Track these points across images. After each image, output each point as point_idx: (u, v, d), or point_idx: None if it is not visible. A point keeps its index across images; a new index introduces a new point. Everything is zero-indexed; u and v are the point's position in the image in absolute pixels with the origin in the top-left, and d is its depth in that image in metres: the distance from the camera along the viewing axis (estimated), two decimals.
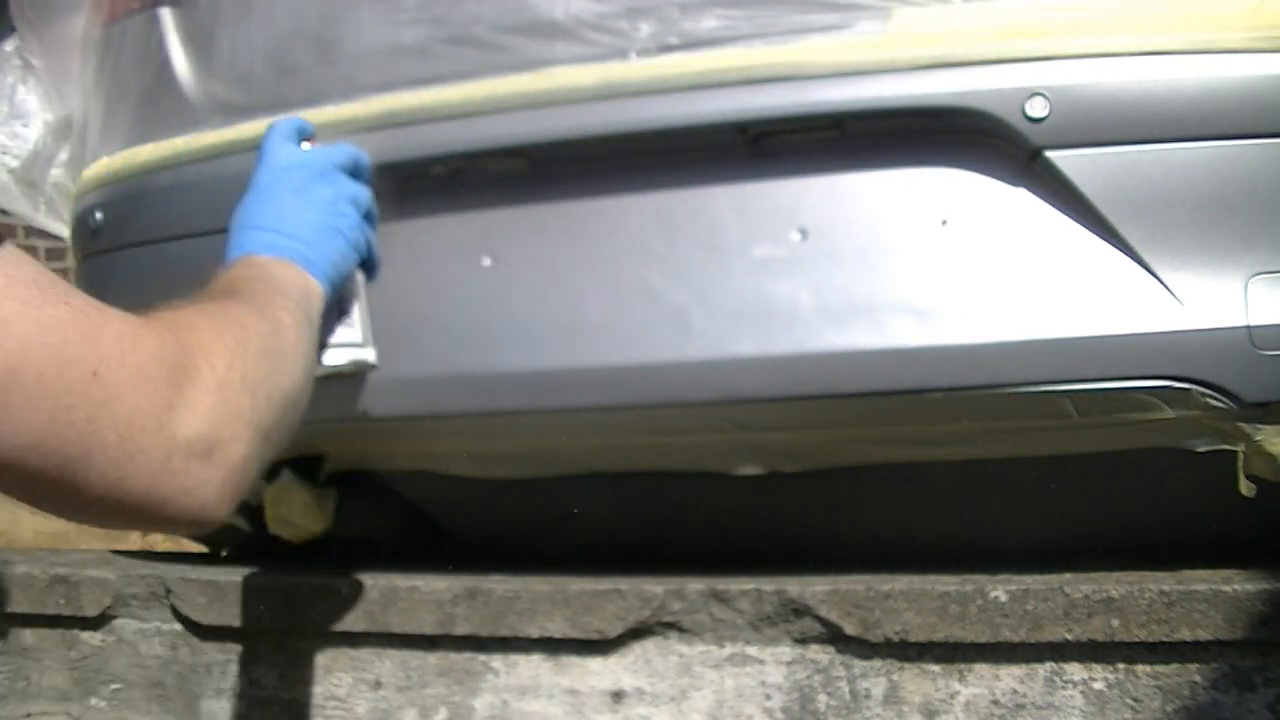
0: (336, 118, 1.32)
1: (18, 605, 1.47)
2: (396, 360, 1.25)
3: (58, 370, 0.64)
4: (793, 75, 1.20)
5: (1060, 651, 1.12)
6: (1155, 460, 1.24)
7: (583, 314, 1.28)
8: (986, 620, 1.13)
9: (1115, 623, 1.10)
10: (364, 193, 1.07)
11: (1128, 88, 1.14)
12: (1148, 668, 1.10)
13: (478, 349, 1.31)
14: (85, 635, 1.45)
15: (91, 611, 1.44)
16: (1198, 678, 1.09)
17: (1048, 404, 1.17)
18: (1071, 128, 1.15)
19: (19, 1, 1.75)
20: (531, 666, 1.28)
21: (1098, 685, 1.12)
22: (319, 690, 1.36)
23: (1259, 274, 1.13)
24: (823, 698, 1.18)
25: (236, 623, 1.38)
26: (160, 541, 2.57)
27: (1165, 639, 1.09)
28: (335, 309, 1.09)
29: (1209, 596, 1.08)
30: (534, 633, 1.26)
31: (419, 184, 1.33)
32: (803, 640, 1.19)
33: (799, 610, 1.19)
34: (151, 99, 1.51)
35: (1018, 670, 1.13)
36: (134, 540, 2.45)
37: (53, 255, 3.22)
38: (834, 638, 1.18)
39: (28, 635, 1.47)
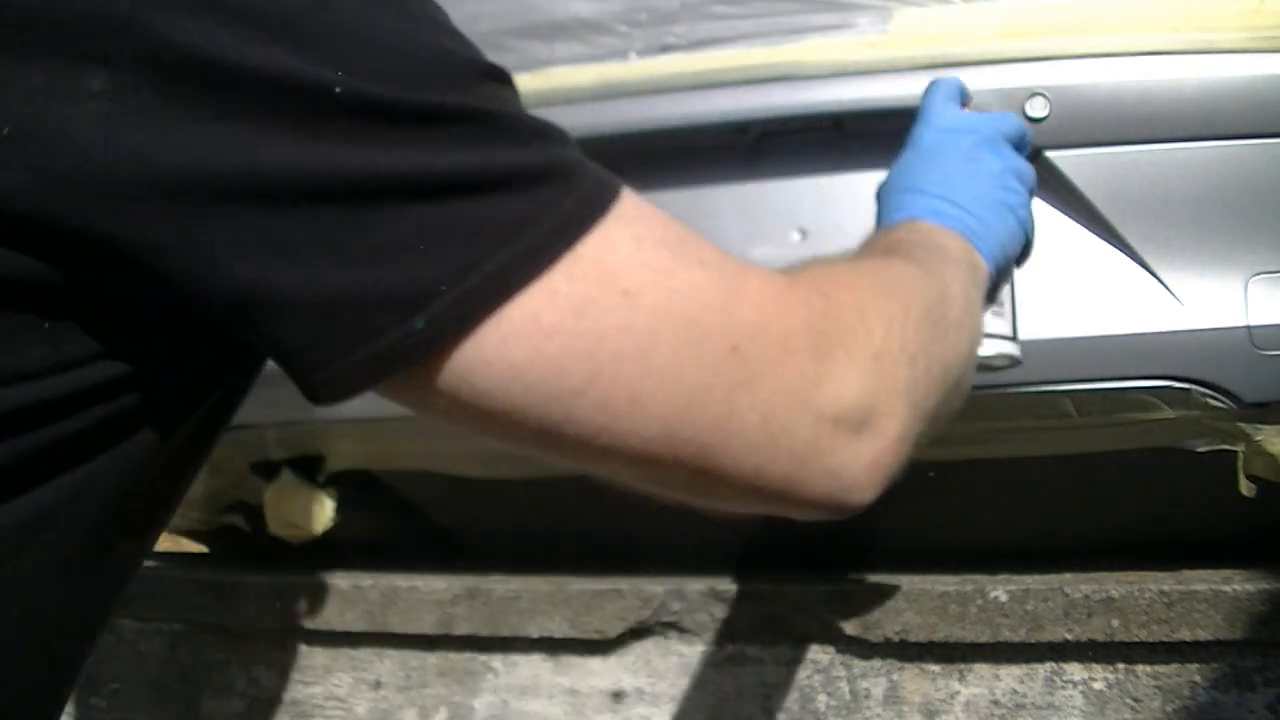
0: None
1: None
2: None
3: (693, 349, 0.55)
4: (793, 75, 1.20)
5: (1060, 651, 1.12)
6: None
7: None
8: (986, 620, 1.13)
9: (1115, 623, 1.10)
10: (1030, 170, 0.93)
11: (1127, 88, 1.14)
12: (1148, 668, 1.10)
13: None
14: None
15: None
16: (1198, 678, 1.09)
17: (1048, 404, 1.17)
18: (1071, 128, 1.15)
19: None
20: (531, 666, 1.28)
21: (1098, 685, 1.12)
22: (319, 690, 1.36)
23: (1259, 274, 1.13)
24: (823, 698, 1.18)
25: (236, 623, 1.38)
26: (160, 541, 2.57)
27: (1165, 639, 1.09)
28: (987, 294, 0.94)
29: (1209, 596, 1.08)
30: (534, 633, 1.26)
31: None
32: (803, 640, 1.19)
33: (799, 610, 1.19)
34: None
35: (1018, 670, 1.13)
36: None
37: None
38: (834, 638, 1.18)
39: None
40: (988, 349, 0.99)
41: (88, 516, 0.56)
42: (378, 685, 1.33)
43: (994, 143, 0.91)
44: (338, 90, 0.49)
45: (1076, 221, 1.16)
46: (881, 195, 0.90)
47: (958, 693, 1.15)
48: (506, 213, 0.52)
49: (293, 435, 1.41)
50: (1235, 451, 1.16)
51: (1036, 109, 1.14)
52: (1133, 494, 1.31)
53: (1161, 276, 1.14)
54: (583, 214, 0.54)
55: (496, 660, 1.29)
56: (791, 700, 1.19)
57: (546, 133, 0.54)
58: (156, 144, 0.48)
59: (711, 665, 1.22)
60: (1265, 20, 1.13)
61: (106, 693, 1.44)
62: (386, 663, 1.33)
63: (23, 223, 0.48)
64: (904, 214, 0.85)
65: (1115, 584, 1.11)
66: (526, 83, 1.30)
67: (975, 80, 1.16)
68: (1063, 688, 1.12)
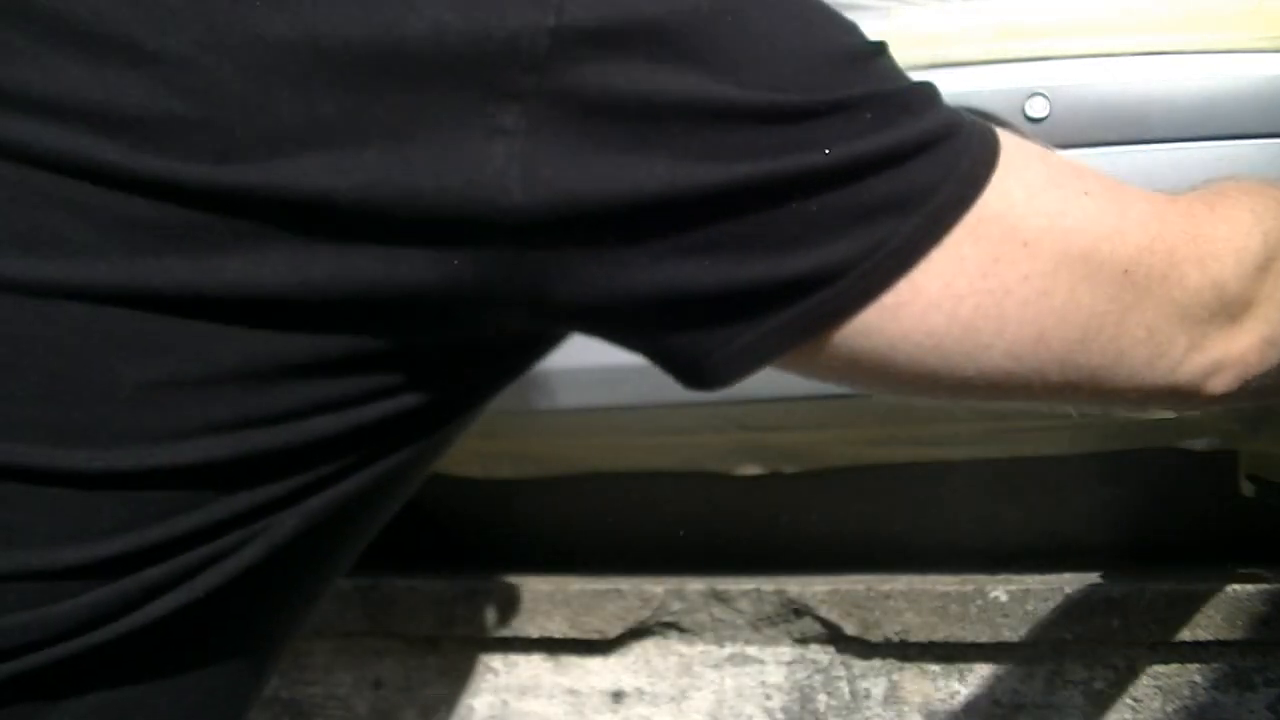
0: None
1: None
2: None
3: (1089, 281, 0.56)
4: None
5: (1060, 651, 1.12)
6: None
7: None
8: (986, 620, 1.13)
9: (1115, 623, 1.10)
10: None
11: (1128, 88, 1.14)
12: (1148, 668, 1.11)
13: None
14: None
15: None
16: (1198, 678, 1.09)
17: (1048, 404, 1.17)
18: (1071, 128, 1.15)
19: None
20: (531, 666, 1.28)
21: (1098, 685, 1.12)
22: (319, 690, 1.36)
23: None
24: (823, 698, 1.18)
25: None
26: None
27: (1165, 639, 1.09)
28: None
29: (1209, 596, 1.08)
30: (534, 633, 1.26)
31: None
32: (803, 640, 1.19)
33: (799, 610, 1.19)
34: None
35: (1018, 670, 1.13)
36: None
37: None
38: (834, 638, 1.18)
39: None
40: None
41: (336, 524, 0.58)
42: (378, 685, 1.33)
43: None
44: (746, 105, 0.50)
45: None
46: None
47: (958, 693, 1.15)
48: (909, 184, 0.53)
49: None
50: (1235, 451, 1.16)
51: (1036, 109, 1.14)
52: (1132, 495, 1.31)
53: None
54: (977, 173, 0.55)
55: (496, 660, 1.29)
56: (791, 700, 1.19)
57: (930, 96, 0.56)
58: (574, 179, 0.49)
59: (711, 665, 1.22)
60: (1265, 21, 1.13)
61: None
62: (386, 663, 1.33)
63: (435, 243, 0.49)
64: None
65: (1115, 584, 1.11)
66: None
67: (975, 80, 1.16)
68: (1063, 688, 1.12)
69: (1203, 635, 1.08)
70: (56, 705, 0.53)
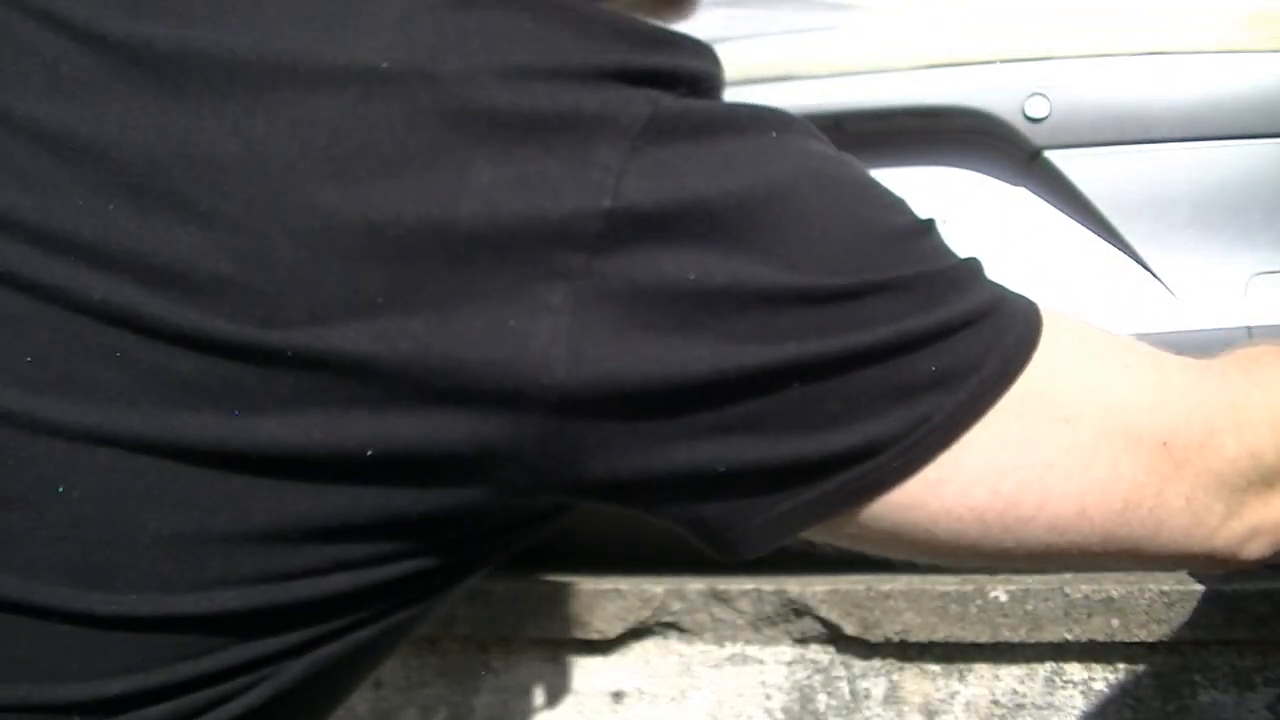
0: None
1: None
2: None
3: (1130, 454, 0.56)
4: (792, 75, 1.20)
5: (1060, 651, 1.12)
6: None
7: None
8: (986, 620, 1.13)
9: (1115, 623, 1.10)
10: None
11: (1128, 88, 1.14)
12: (1148, 668, 1.10)
13: None
14: None
15: None
16: (1198, 678, 1.09)
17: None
18: (1071, 128, 1.15)
19: None
20: (531, 666, 1.28)
21: (1098, 685, 1.12)
22: None
23: (1259, 274, 1.13)
24: (823, 698, 1.18)
25: None
26: None
27: (1165, 639, 1.09)
28: None
29: (1209, 596, 1.08)
30: (534, 633, 1.26)
31: None
32: (803, 640, 1.19)
33: (799, 610, 1.19)
34: None
35: (1018, 670, 1.13)
36: None
37: None
38: (834, 638, 1.18)
39: None
40: None
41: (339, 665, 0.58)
42: (377, 685, 1.33)
43: None
44: (794, 287, 0.50)
45: (1077, 221, 1.16)
46: None
47: (958, 693, 1.15)
48: (953, 360, 0.53)
49: None
50: None
51: (1036, 109, 1.14)
52: None
53: (1161, 276, 1.14)
54: (1021, 349, 0.55)
55: (496, 660, 1.29)
56: (791, 700, 1.19)
57: (974, 271, 0.56)
58: (618, 359, 0.49)
59: (711, 665, 1.22)
60: (1264, 21, 1.13)
61: None
62: (386, 663, 1.33)
63: (474, 412, 0.49)
64: None
65: (1115, 584, 1.11)
66: None
67: (975, 80, 1.16)
68: (1063, 688, 1.12)
69: (1203, 635, 1.08)
70: None
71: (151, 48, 0.50)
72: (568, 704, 1.26)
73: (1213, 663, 1.09)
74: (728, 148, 0.51)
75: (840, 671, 1.18)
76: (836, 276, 0.51)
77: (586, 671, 1.26)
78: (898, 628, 1.15)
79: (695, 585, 1.22)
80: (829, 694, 1.18)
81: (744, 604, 1.20)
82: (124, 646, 0.51)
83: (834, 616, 1.17)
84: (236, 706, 0.53)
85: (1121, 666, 1.11)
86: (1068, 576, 1.17)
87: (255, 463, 0.49)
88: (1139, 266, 1.14)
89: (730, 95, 1.35)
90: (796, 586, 1.19)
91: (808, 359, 0.50)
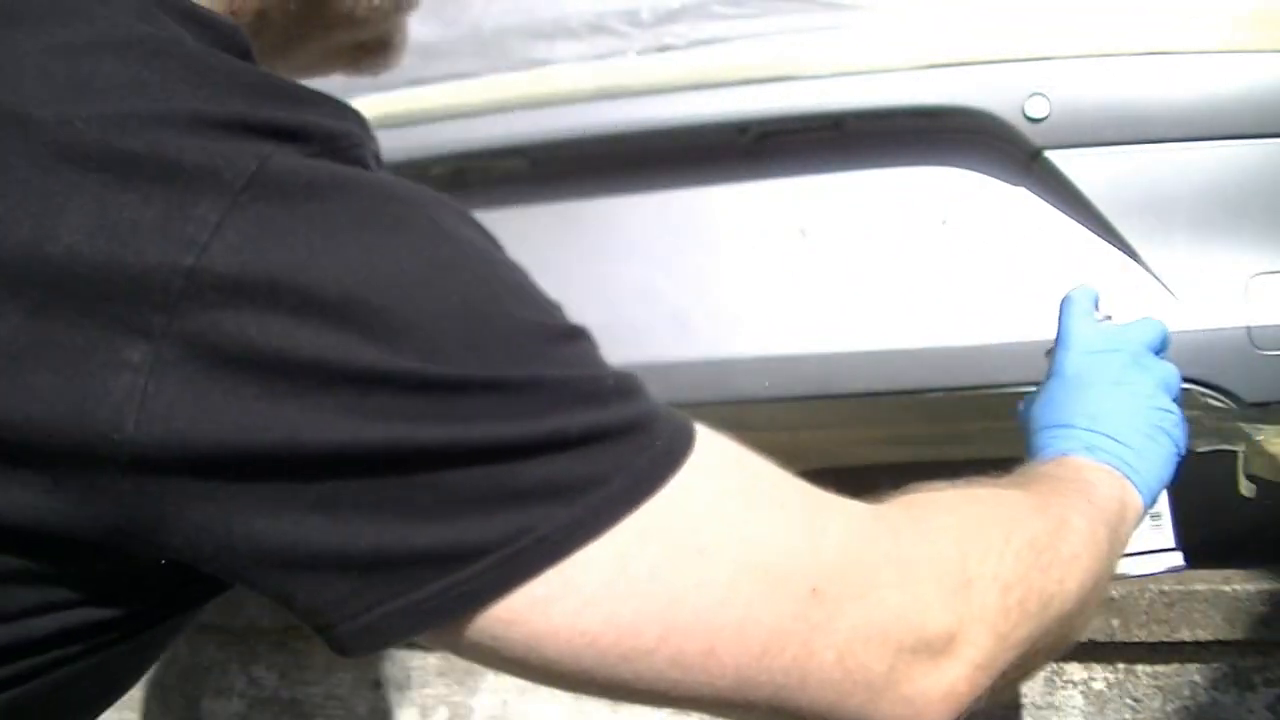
0: None
1: None
2: None
3: (771, 596, 0.54)
4: (793, 75, 1.20)
5: None
6: None
7: (581, 314, 1.28)
8: None
9: (1115, 623, 1.10)
10: (1176, 374, 0.89)
11: (1128, 88, 1.14)
12: (1148, 668, 1.10)
13: None
14: None
15: None
16: (1198, 678, 1.09)
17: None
18: (1071, 128, 1.15)
19: None
20: None
21: (1098, 685, 1.12)
22: (319, 690, 1.36)
23: (1259, 274, 1.13)
24: None
25: (237, 623, 1.38)
26: None
27: (1165, 639, 1.09)
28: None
29: (1209, 596, 1.08)
30: None
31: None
32: None
33: None
34: None
35: None
36: None
37: None
38: None
39: None
40: (1152, 566, 1.01)
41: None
42: (378, 685, 1.33)
43: (1140, 359, 0.87)
44: (387, 370, 0.48)
45: (1076, 221, 1.16)
46: (1028, 427, 0.87)
47: None
48: (569, 474, 0.51)
49: None
50: (1235, 451, 1.16)
51: (1036, 109, 1.14)
52: None
53: (1161, 276, 1.14)
54: (655, 472, 0.53)
55: None
56: None
57: (625, 389, 0.54)
58: (190, 421, 0.47)
59: None
60: (1265, 20, 1.13)
61: None
62: (386, 663, 1.33)
63: (50, 472, 0.47)
64: (1054, 451, 0.82)
65: (1115, 584, 1.11)
66: (526, 83, 1.31)
67: (975, 80, 1.16)
68: (1063, 688, 1.12)
69: (1203, 635, 1.08)
70: None
71: None
72: (568, 704, 1.26)
73: (1213, 663, 1.09)
74: (343, 215, 0.48)
75: None
76: (441, 366, 0.49)
77: None
78: None
79: None
80: None
81: None
82: None
83: None
84: None
85: (1121, 666, 1.11)
86: None
87: None
88: (1139, 266, 1.14)
89: (730, 95, 1.34)
90: None
91: (392, 444, 0.48)
